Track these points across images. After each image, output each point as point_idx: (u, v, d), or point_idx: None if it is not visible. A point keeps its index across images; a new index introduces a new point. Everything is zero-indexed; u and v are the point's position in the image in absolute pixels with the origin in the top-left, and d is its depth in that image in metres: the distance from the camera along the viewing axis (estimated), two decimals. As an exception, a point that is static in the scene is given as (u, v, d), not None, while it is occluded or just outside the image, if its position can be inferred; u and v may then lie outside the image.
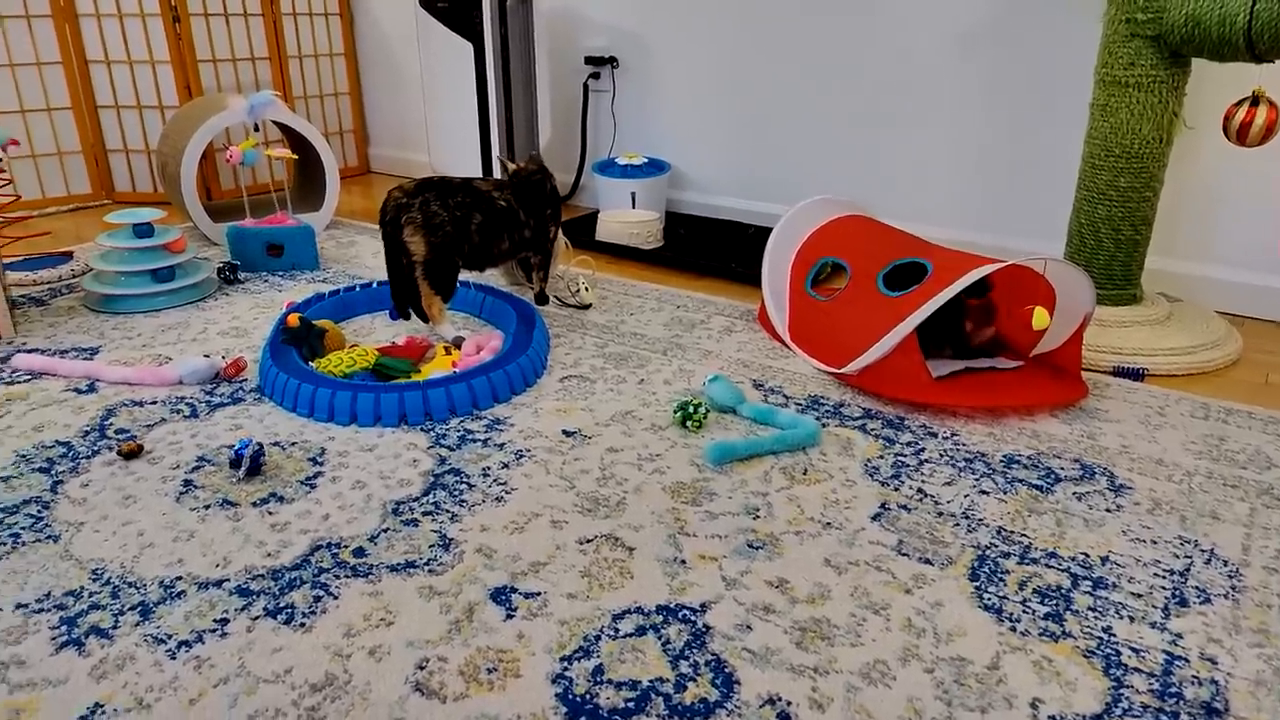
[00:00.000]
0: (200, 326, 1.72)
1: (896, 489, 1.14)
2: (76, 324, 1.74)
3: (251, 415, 1.35)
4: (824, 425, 1.30)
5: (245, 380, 1.48)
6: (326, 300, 1.74)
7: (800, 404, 1.38)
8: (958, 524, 1.06)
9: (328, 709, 0.78)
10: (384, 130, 3.25)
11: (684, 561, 0.99)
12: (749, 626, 0.88)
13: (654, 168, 2.37)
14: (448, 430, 1.30)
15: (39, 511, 1.10)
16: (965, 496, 1.12)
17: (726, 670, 0.83)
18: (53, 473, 1.19)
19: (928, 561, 0.98)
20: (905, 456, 1.22)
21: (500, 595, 0.93)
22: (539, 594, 0.93)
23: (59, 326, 1.73)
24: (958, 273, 1.29)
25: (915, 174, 2.14)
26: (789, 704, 0.79)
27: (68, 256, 2.11)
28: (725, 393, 1.33)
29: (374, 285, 1.81)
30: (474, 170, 2.47)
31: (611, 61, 2.50)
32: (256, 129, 2.19)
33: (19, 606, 0.93)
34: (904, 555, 1.00)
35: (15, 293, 1.91)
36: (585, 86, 2.55)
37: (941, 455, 1.22)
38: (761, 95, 2.31)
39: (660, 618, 0.90)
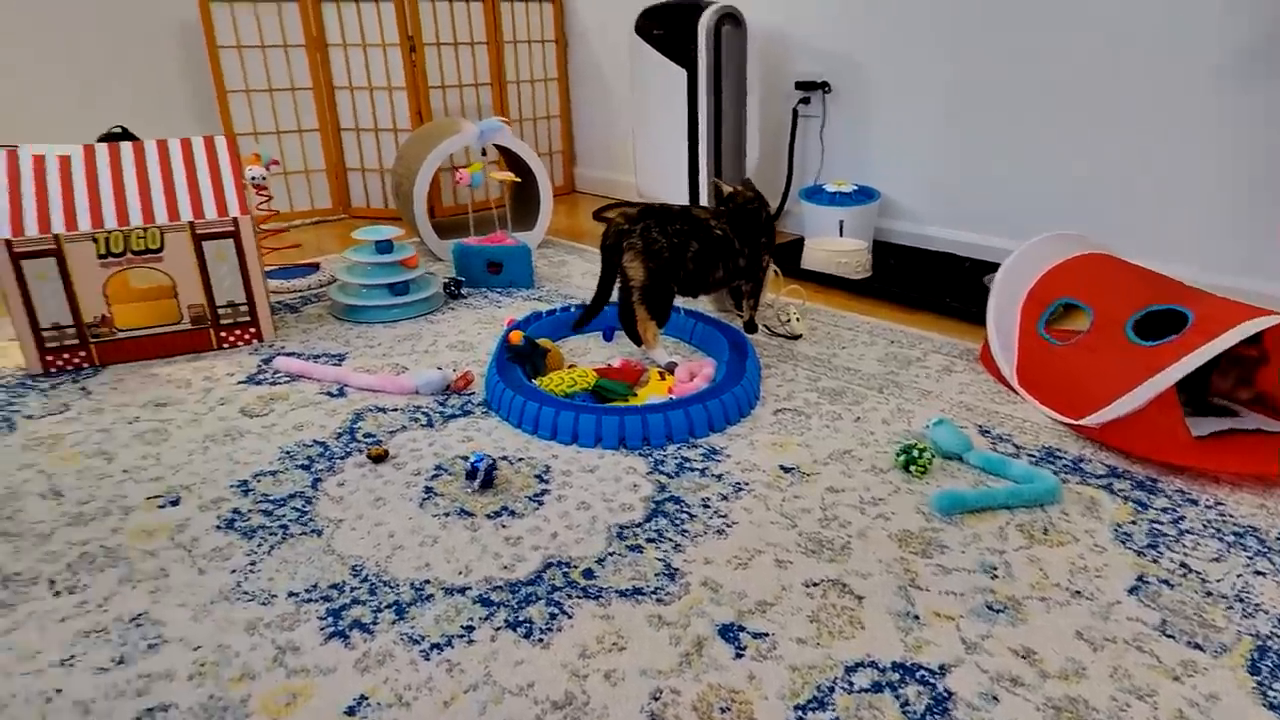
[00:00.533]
0: (430, 339, 1.85)
1: (1155, 560, 1.05)
2: (325, 331, 1.91)
3: (480, 429, 1.43)
4: (1063, 481, 1.22)
5: (473, 394, 1.57)
6: (545, 319, 1.82)
7: (1033, 455, 1.30)
8: (1230, 607, 0.96)
9: (570, 729, 0.82)
10: (590, 151, 3.37)
11: (918, 617, 0.95)
12: (995, 698, 0.84)
13: (863, 195, 2.33)
14: (665, 456, 1.32)
15: (303, 506, 1.21)
16: (1238, 576, 1.01)
17: (973, 742, 0.79)
18: (312, 470, 1.31)
19: (1197, 647, 0.90)
20: (1162, 524, 1.12)
21: (728, 632, 0.94)
22: (767, 635, 0.93)
23: (310, 332, 1.90)
24: (1226, 324, 1.18)
25: (1159, 209, 1.97)
26: (1044, 788, 0.75)
27: (315, 267, 2.32)
28: (951, 438, 1.28)
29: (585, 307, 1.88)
30: (680, 193, 2.52)
31: (824, 86, 2.48)
32: (484, 153, 2.33)
33: (291, 595, 1.02)
34: (1169, 637, 0.92)
35: (273, 299, 2.12)
36: (795, 112, 2.54)
37: (1205, 526, 1.11)
38: (983, 123, 2.21)
39: (896, 675, 0.87)
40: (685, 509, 1.18)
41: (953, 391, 1.53)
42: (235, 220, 1.74)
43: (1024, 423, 1.41)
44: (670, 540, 1.11)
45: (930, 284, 2.05)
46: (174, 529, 1.16)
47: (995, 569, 1.03)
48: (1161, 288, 1.40)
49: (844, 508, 1.17)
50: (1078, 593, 0.99)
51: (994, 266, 2.06)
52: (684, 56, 2.36)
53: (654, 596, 1.00)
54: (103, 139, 1.91)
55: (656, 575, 1.04)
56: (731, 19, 2.34)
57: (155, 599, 1.02)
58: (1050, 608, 0.97)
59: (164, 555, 1.10)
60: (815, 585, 1.01)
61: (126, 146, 1.78)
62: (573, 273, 2.30)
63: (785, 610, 0.97)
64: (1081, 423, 1.33)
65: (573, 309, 1.87)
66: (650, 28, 2.44)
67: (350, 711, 0.84)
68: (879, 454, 1.31)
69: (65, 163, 1.72)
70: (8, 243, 1.60)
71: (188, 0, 2.86)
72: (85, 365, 1.71)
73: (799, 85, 2.52)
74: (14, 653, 0.93)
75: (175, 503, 1.22)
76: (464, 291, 2.14)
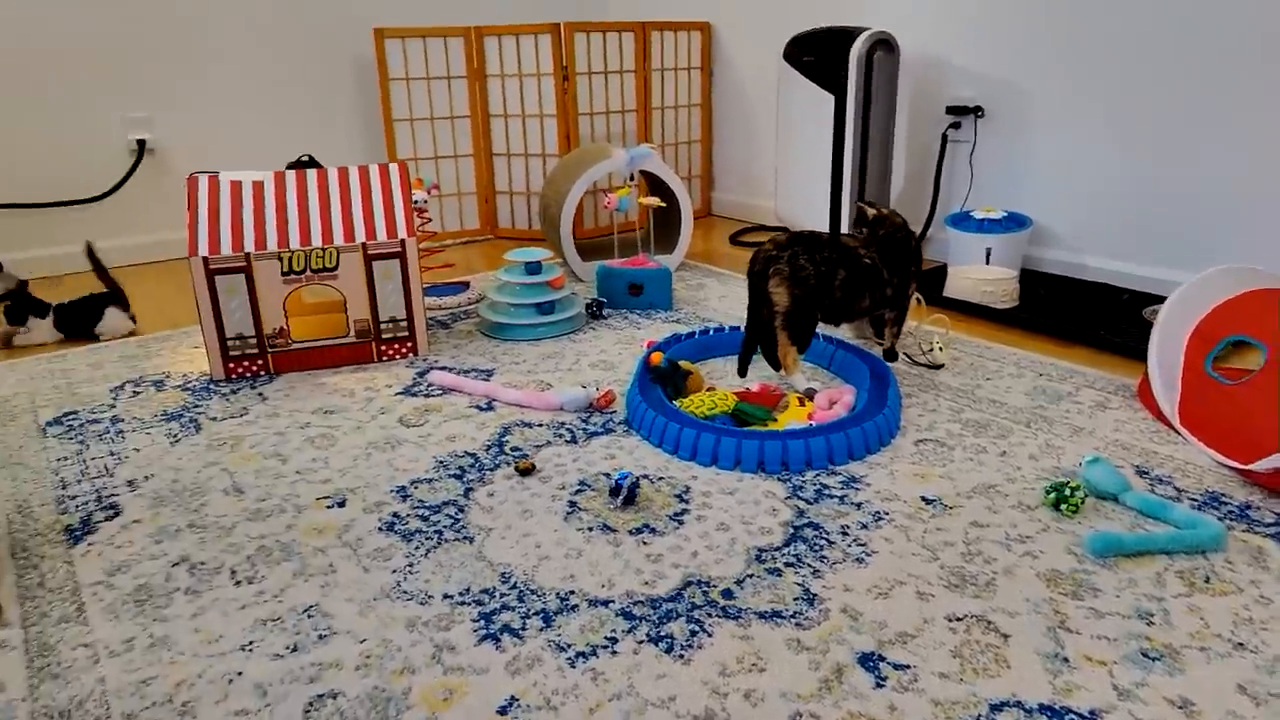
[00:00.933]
0: (573, 357, 1.92)
1: (1335, 619, 0.98)
2: (474, 347, 2.02)
3: (622, 447, 1.48)
4: (1228, 528, 1.15)
5: (614, 412, 1.62)
6: (684, 341, 1.86)
7: (1195, 500, 1.23)
8: None
9: (710, 744, 0.84)
10: (728, 176, 3.41)
11: (1067, 659, 0.92)
12: (1152, 751, 0.81)
13: (1013, 222, 2.26)
14: (804, 482, 1.33)
15: (456, 514, 1.29)
16: None
17: (1128, 796, 0.76)
18: (464, 480, 1.39)
19: (1386, 716, 0.83)
20: (1344, 581, 1.04)
21: (868, 661, 0.94)
22: (909, 667, 0.92)
23: (461, 348, 2.01)
24: None
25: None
26: None
27: (466, 285, 2.45)
28: (1106, 477, 1.23)
29: (726, 330, 1.91)
30: (820, 218, 2.51)
31: (976, 111, 2.42)
32: (631, 178, 2.40)
33: (446, 596, 1.09)
34: (1350, 702, 0.86)
35: (427, 315, 2.26)
36: (944, 136, 2.50)
37: (1397, 587, 1.03)
38: (1148, 147, 2.11)
39: (1044, 718, 0.85)
40: (824, 535, 1.18)
41: (1107, 429, 1.47)
42: (402, 242, 1.87)
43: (1186, 464, 1.34)
44: (809, 565, 1.11)
45: (1084, 316, 1.96)
46: (341, 528, 1.26)
47: (1152, 615, 0.99)
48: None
49: (989, 543, 1.14)
50: (1240, 645, 0.94)
51: (1156, 299, 1.96)
52: (833, 82, 2.36)
53: (793, 620, 1.01)
54: (291, 166, 2.09)
55: (795, 599, 1.05)
56: (884, 45, 2.33)
57: (325, 593, 1.11)
58: (1210, 659, 0.92)
59: (332, 552, 1.20)
60: (959, 620, 1.00)
61: (311, 173, 1.94)
62: (710, 296, 2.34)
63: (927, 643, 0.96)
64: (1251, 468, 1.24)
65: (711, 331, 1.90)
66: (799, 55, 2.46)
67: (503, 711, 0.90)
68: (1026, 490, 1.27)
69: (258, 188, 1.90)
70: (205, 260, 1.77)
71: (364, 37, 3.10)
72: (262, 373, 1.88)
73: (950, 110, 2.47)
74: (200, 636, 1.04)
75: (342, 504, 1.33)
76: (605, 312, 2.21)
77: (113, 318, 2.16)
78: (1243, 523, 1.17)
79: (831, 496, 1.29)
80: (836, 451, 1.38)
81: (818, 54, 2.43)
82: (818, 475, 1.35)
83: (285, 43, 3.03)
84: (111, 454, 1.51)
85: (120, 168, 2.85)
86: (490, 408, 1.66)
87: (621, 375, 1.80)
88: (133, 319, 2.20)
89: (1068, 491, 1.19)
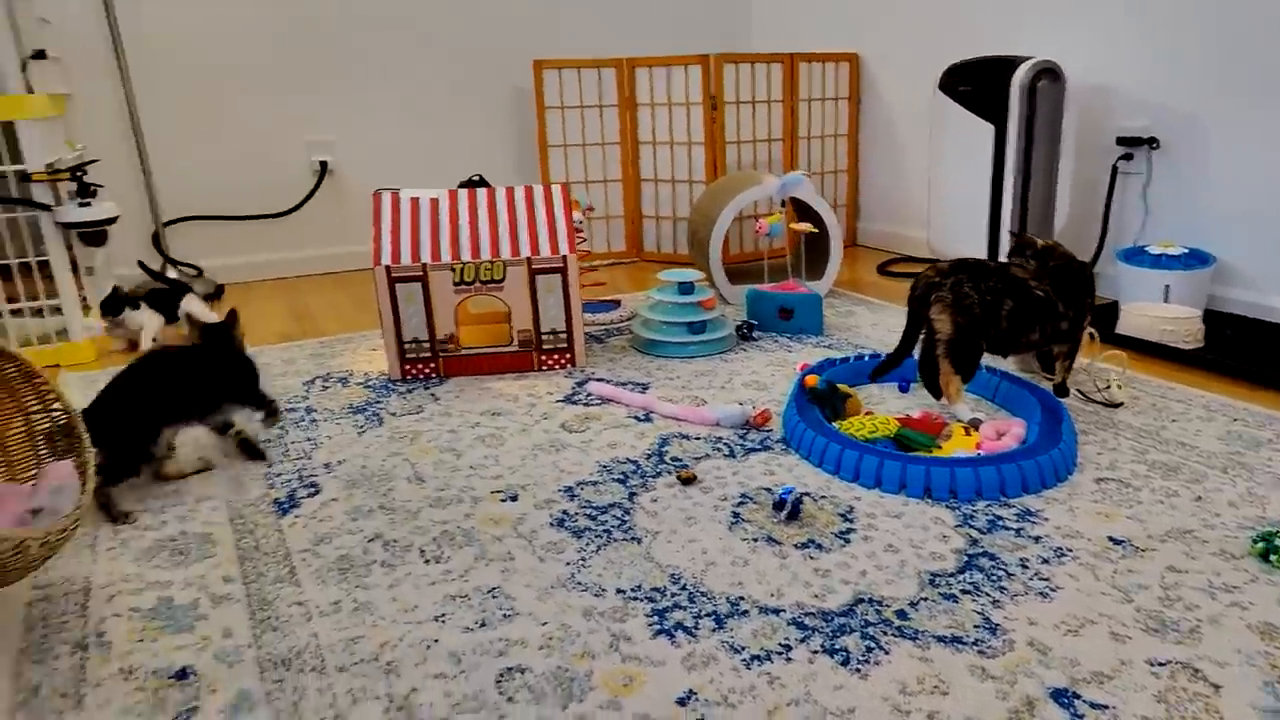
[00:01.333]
0: (726, 376, 1.95)
1: None
2: (628, 361, 2.07)
3: (781, 464, 1.49)
4: None
5: (771, 431, 1.63)
6: (838, 365, 1.85)
7: None
8: None
9: (896, 757, 0.83)
10: (874, 206, 3.38)
11: (1285, 714, 0.87)
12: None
13: (1195, 259, 2.14)
14: (974, 512, 1.30)
15: (622, 516, 1.33)
16: None
17: None
18: (627, 485, 1.43)
19: None
20: None
21: (1061, 697, 0.91)
22: (1108, 707, 0.89)
23: (615, 362, 2.07)
24: None
25: None
26: None
27: (617, 304, 2.52)
28: (1317, 528, 1.15)
29: (881, 356, 1.88)
30: (975, 250, 2.46)
31: (1150, 142, 2.32)
32: (782, 204, 2.42)
33: (619, 591, 1.13)
34: None
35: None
36: (1114, 169, 2.40)
37: None
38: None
39: (1263, 770, 0.80)
40: (1001, 566, 1.15)
41: (1316, 479, 1.37)
42: (564, 258, 1.95)
43: None
44: (987, 595, 1.09)
45: (1278, 360, 1.83)
46: (515, 520, 1.32)
47: (1384, 677, 0.91)
48: None
49: (1189, 590, 1.09)
50: None
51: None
52: (993, 112, 2.32)
53: (975, 648, 0.99)
54: (463, 185, 2.22)
55: (976, 627, 1.03)
56: (1049, 74, 2.27)
57: (505, 577, 1.16)
58: None
59: (509, 542, 1.26)
60: (1161, 665, 0.95)
61: (481, 192, 2.06)
62: (860, 323, 2.32)
63: (1126, 685, 0.92)
64: None
65: (866, 358, 1.88)
66: (956, 84, 2.43)
67: (681, 702, 0.92)
68: (1228, 538, 1.20)
69: (434, 204, 2.03)
70: (388, 268, 1.90)
71: (522, 68, 3.26)
72: (433, 375, 1.98)
73: (1120, 140, 2.38)
74: (397, 605, 1.11)
75: (514, 499, 1.39)
76: (755, 334, 2.23)
77: (191, 302, 2.34)
78: None
79: (1006, 528, 1.25)
80: (1009, 483, 1.34)
81: (976, 83, 2.39)
82: (989, 506, 1.32)
83: (451, 74, 3.23)
84: (308, 439, 1.64)
85: (304, 187, 3.09)
86: (648, 419, 1.70)
87: (775, 396, 1.81)
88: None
89: (1278, 542, 1.12)
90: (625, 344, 2.21)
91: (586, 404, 1.80)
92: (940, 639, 1.00)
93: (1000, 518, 1.28)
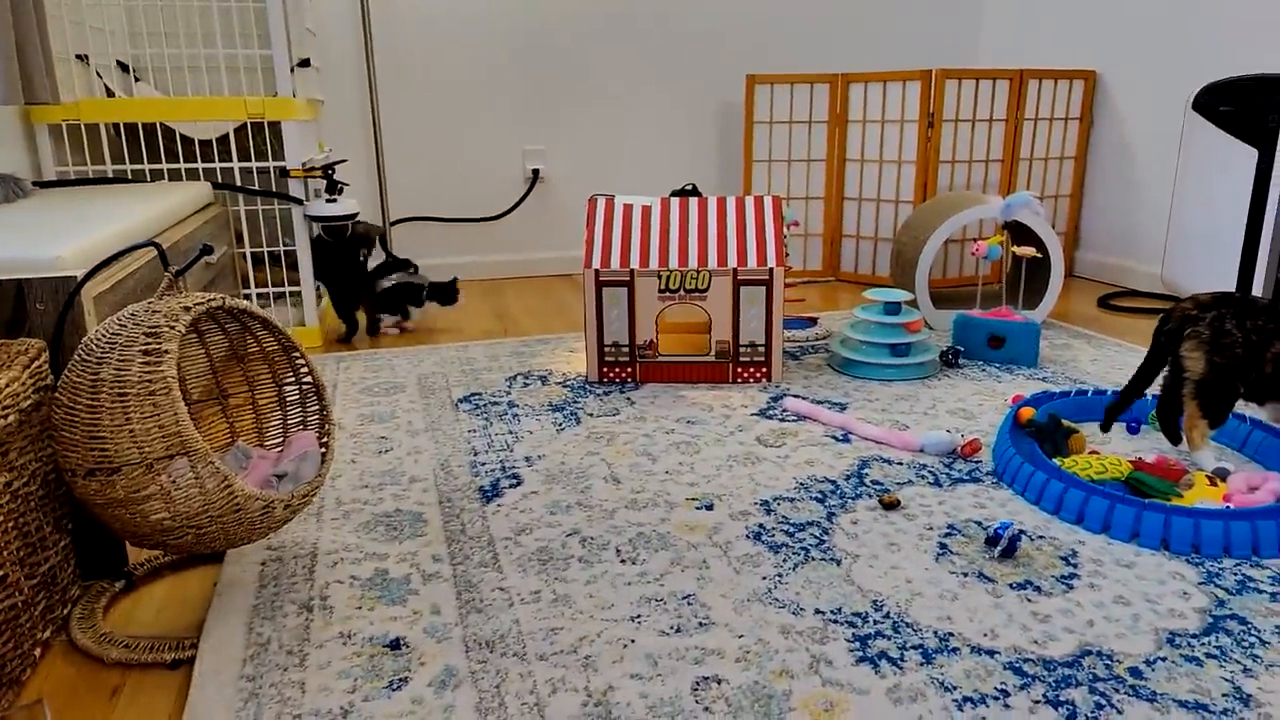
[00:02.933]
0: (929, 402, 1.86)
1: None
2: (824, 380, 2.03)
3: (992, 498, 1.40)
4: None
5: (980, 462, 1.55)
6: (1057, 400, 1.73)
7: None
8: None
9: (1133, 827, 0.76)
10: (1098, 235, 3.14)
11: None
12: None
13: None
14: (1221, 570, 1.17)
15: (820, 535, 1.30)
16: None
17: None
18: (826, 504, 1.39)
19: None
20: None
21: (1335, 786, 0.80)
22: (1395, 806, 0.77)
23: (811, 380, 2.04)
24: None
25: None
26: None
27: (814, 321, 2.48)
28: None
29: (1107, 394, 1.74)
30: (1222, 287, 2.22)
31: None
32: (1004, 227, 2.30)
33: (818, 611, 1.10)
34: None
35: (778, 346, 2.31)
36: (1405, 201, 2.11)
37: None
38: None
39: None
40: (1254, 632, 1.03)
41: None
42: (770, 270, 1.94)
43: None
44: (1237, 662, 0.98)
45: None
46: (710, 529, 1.32)
47: None
48: None
49: None
50: None
51: None
52: (1257, 135, 2.10)
53: (1223, 718, 0.89)
54: (675, 194, 2.26)
55: (1224, 696, 0.92)
56: (1327, 93, 2.03)
57: (700, 585, 1.16)
58: None
59: (704, 550, 1.26)
60: None
61: (693, 201, 2.09)
62: (1079, 357, 2.16)
63: None
64: None
65: (1090, 393, 1.75)
66: (1215, 104, 2.22)
67: (887, 734, 0.88)
68: None
69: (646, 211, 2.08)
70: (596, 272, 1.97)
71: (732, 82, 3.29)
72: (630, 380, 2.03)
73: None
74: (594, 601, 1.13)
75: (710, 508, 1.39)
76: (961, 362, 2.12)
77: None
78: None
79: (1259, 591, 1.12)
80: (1264, 541, 1.20)
81: (1240, 104, 2.17)
82: (1237, 565, 1.18)
83: (663, 87, 3.30)
84: (510, 433, 1.72)
85: (516, 193, 3.26)
86: (846, 440, 1.66)
87: (983, 426, 1.71)
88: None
89: None
90: (821, 362, 2.17)
91: (782, 419, 1.77)
92: (1182, 704, 0.91)
93: (1252, 579, 1.15)
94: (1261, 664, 0.97)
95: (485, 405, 1.88)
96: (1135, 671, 0.97)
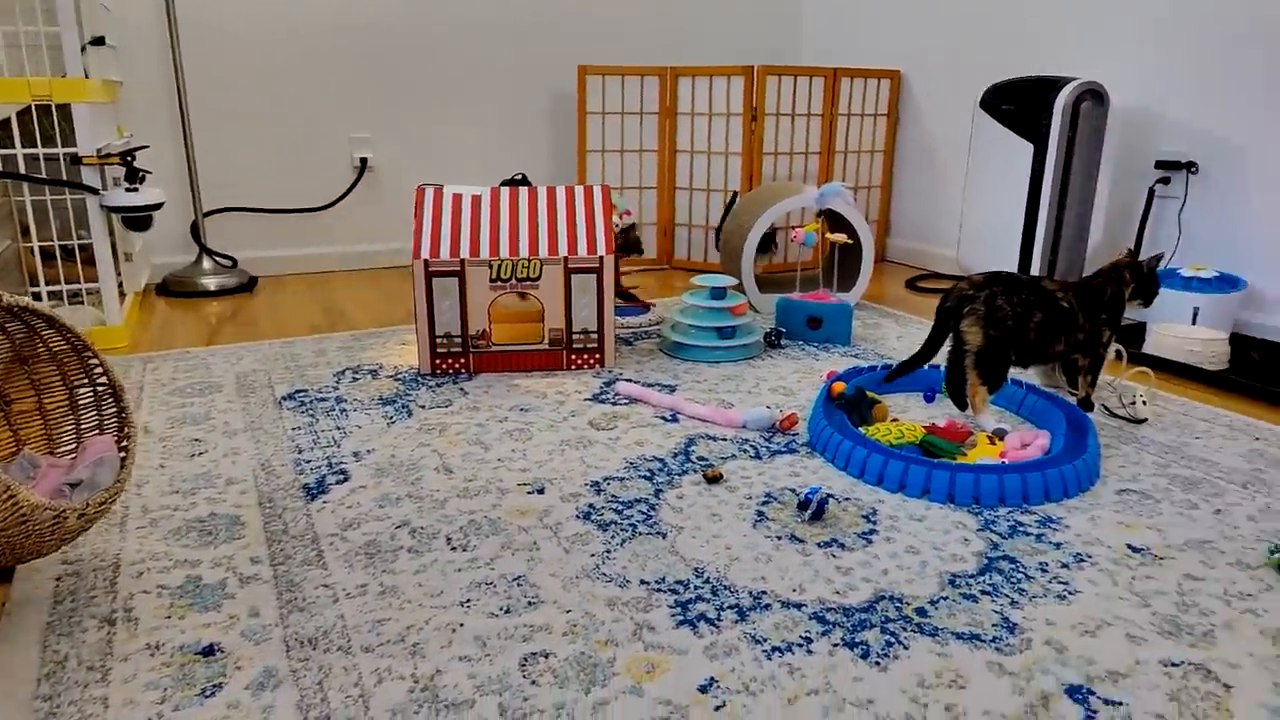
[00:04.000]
0: (753, 381, 1.97)
1: None
2: (656, 364, 2.10)
3: (806, 467, 1.51)
4: None
5: (797, 434, 1.65)
6: (865, 374, 1.87)
7: None
8: None
9: (912, 747, 0.85)
10: (906, 223, 3.39)
11: (1301, 721, 0.88)
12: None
13: (1225, 283, 2.14)
14: (996, 518, 1.31)
15: (647, 511, 1.35)
16: None
17: None
18: (654, 481, 1.45)
19: None
20: None
21: (1076, 693, 0.92)
22: (1121, 704, 0.90)
23: (643, 364, 2.10)
24: None
25: None
26: None
27: (646, 308, 2.55)
28: (1340, 546, 1.15)
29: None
30: (1007, 267, 2.46)
31: (1189, 167, 2.32)
32: (819, 215, 2.44)
33: (643, 582, 1.15)
34: None
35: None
36: (1151, 192, 2.40)
37: None
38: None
39: (1277, 774, 0.81)
40: (1021, 570, 1.17)
41: (1340, 500, 1.37)
42: (600, 258, 1.98)
43: None
44: (1006, 596, 1.10)
45: (1305, 384, 1.83)
46: (541, 512, 1.34)
47: (1404, 690, 0.92)
48: None
49: (1205, 596, 1.09)
50: None
51: (1393, 372, 1.81)
52: (1033, 132, 2.33)
53: (993, 645, 1.00)
54: (505, 183, 2.26)
55: (994, 626, 1.04)
56: (1093, 95, 2.28)
57: (530, 566, 1.19)
58: None
59: (535, 532, 1.28)
60: (1174, 666, 0.96)
61: (523, 190, 2.10)
62: (887, 335, 2.33)
63: (1140, 684, 0.93)
64: None
65: (894, 366, 1.89)
66: (999, 103, 2.44)
67: (703, 689, 0.94)
68: (1246, 550, 1.21)
69: (475, 201, 2.07)
70: (426, 262, 1.94)
71: (565, 73, 3.31)
72: (463, 371, 2.02)
73: (1160, 164, 2.38)
74: (423, 590, 1.13)
75: (541, 491, 1.42)
76: (784, 342, 2.25)
77: None
78: None
79: (1027, 534, 1.26)
80: (1032, 491, 1.35)
81: (1019, 103, 2.40)
82: (1010, 512, 1.33)
83: (494, 76, 3.28)
84: (338, 428, 1.68)
85: (344, 182, 3.15)
86: (674, 420, 1.73)
87: (802, 401, 1.83)
88: None
89: (1295, 554, 1.13)
90: (654, 347, 2.24)
91: (614, 403, 1.82)
92: (959, 636, 1.02)
93: (1022, 524, 1.29)
94: (1026, 596, 1.10)
95: (311, 402, 1.82)
96: (921, 611, 1.07)
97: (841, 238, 2.32)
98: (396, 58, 3.12)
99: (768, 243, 2.57)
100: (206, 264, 2.89)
